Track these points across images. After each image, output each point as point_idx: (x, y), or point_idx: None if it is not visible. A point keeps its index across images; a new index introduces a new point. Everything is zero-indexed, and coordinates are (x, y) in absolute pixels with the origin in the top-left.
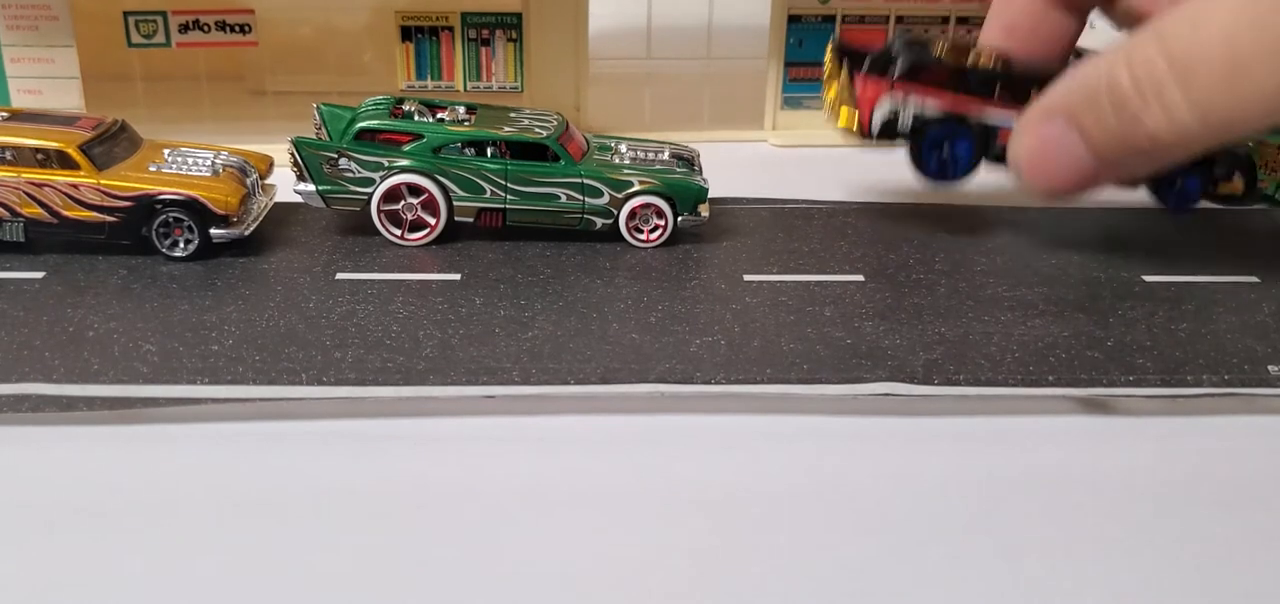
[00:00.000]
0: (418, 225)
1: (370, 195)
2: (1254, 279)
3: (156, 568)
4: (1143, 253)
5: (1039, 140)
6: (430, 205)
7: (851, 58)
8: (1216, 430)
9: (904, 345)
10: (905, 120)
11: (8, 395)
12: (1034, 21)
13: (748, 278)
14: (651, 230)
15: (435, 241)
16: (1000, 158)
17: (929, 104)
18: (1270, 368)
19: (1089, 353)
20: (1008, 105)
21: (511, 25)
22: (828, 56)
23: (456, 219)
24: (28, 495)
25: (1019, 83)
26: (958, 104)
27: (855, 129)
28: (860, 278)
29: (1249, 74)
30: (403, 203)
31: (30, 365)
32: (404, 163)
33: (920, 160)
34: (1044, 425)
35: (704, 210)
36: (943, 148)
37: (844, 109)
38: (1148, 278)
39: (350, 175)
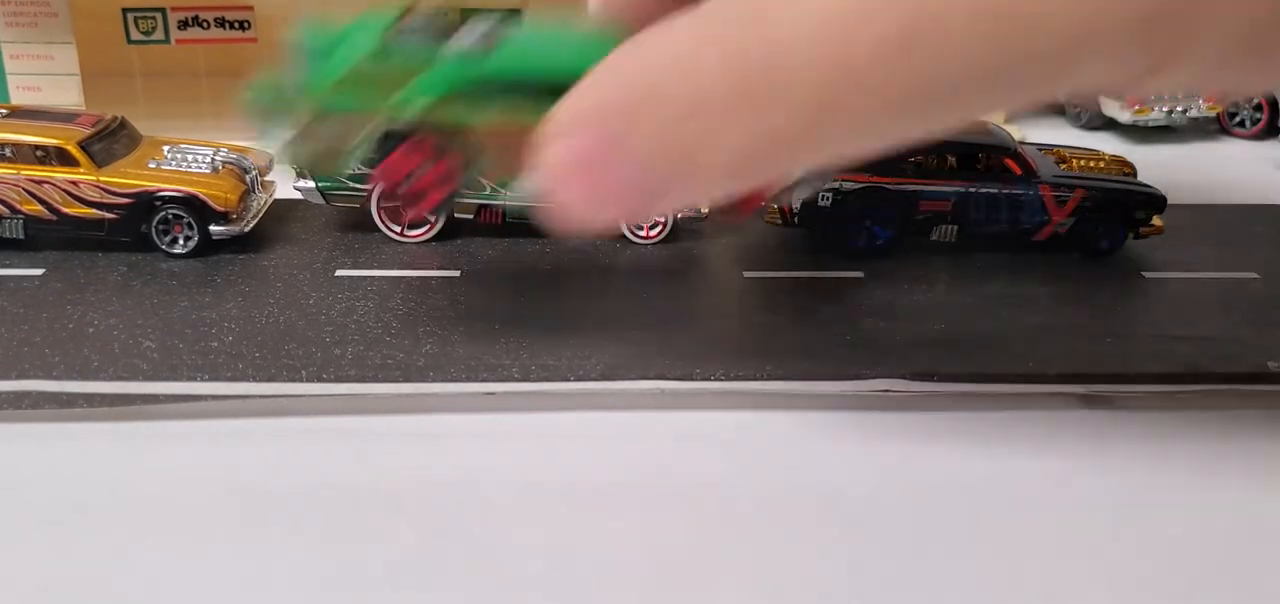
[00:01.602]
0: (417, 222)
1: (368, 192)
2: (1254, 275)
3: (156, 564)
4: (1143, 248)
5: (571, 159)
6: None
7: None
8: (1216, 426)
9: (903, 342)
10: (825, 200)
11: (7, 392)
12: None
13: (747, 274)
14: (651, 227)
15: (434, 238)
16: (922, 227)
17: (847, 180)
18: (1270, 364)
19: (1089, 348)
20: (927, 174)
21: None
22: None
23: (457, 215)
24: (27, 492)
25: (936, 149)
26: (876, 176)
27: (776, 220)
28: (859, 274)
29: (855, 92)
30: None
31: (30, 362)
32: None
33: (845, 240)
34: (1044, 421)
35: (704, 207)
36: (866, 222)
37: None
38: (1147, 274)
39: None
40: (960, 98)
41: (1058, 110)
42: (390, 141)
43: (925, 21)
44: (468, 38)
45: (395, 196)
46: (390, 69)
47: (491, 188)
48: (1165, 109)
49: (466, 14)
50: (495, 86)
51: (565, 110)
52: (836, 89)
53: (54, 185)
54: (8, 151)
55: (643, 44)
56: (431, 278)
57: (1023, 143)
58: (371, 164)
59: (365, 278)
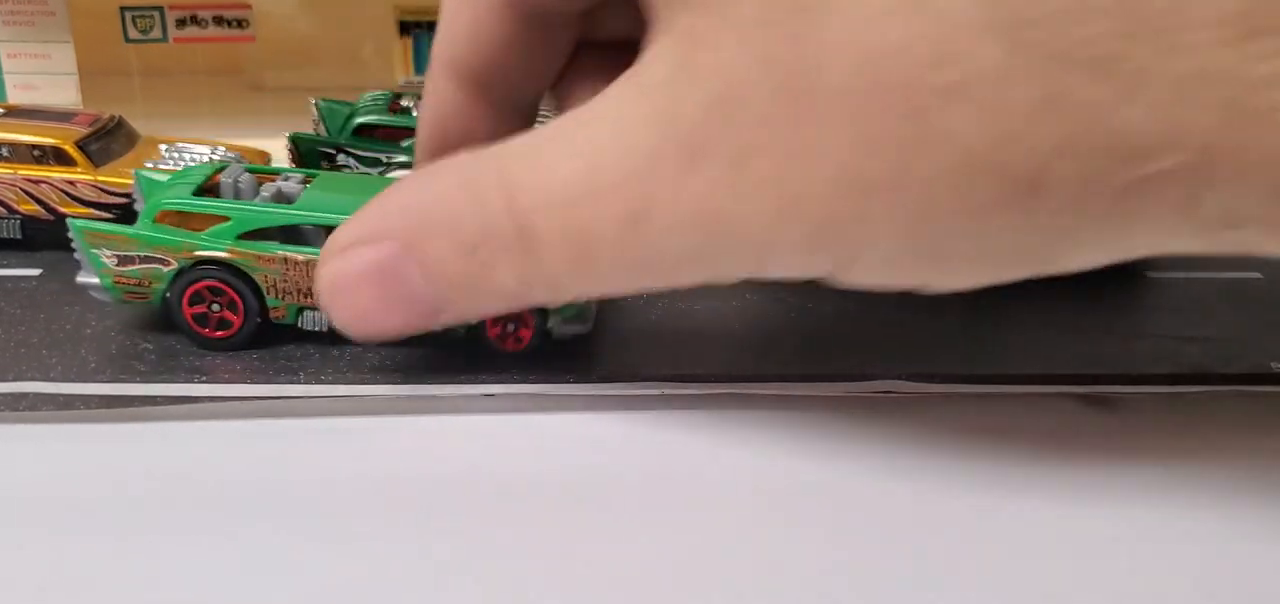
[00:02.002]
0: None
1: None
2: (1256, 275)
3: (155, 566)
4: None
5: (364, 268)
6: None
7: None
8: (1219, 427)
9: (903, 342)
10: None
11: (5, 394)
12: (466, 129)
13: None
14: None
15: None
16: None
17: None
18: (1273, 364)
19: (1091, 349)
20: None
21: None
22: None
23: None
24: (25, 494)
25: None
26: None
27: None
28: None
29: (596, 256)
30: None
31: (27, 363)
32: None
33: None
34: (1045, 422)
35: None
36: None
37: None
38: (1151, 274)
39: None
40: (684, 269)
41: None
42: (192, 277)
43: (645, 212)
44: (269, 189)
45: (196, 333)
46: (199, 213)
47: (286, 314)
48: None
49: (278, 171)
50: (293, 228)
51: (361, 222)
52: (583, 250)
53: (51, 185)
54: (4, 151)
55: (437, 173)
56: None
57: None
58: (176, 300)
59: None
